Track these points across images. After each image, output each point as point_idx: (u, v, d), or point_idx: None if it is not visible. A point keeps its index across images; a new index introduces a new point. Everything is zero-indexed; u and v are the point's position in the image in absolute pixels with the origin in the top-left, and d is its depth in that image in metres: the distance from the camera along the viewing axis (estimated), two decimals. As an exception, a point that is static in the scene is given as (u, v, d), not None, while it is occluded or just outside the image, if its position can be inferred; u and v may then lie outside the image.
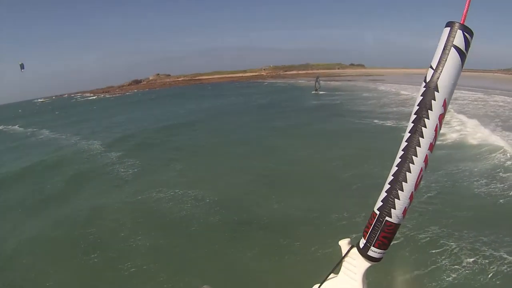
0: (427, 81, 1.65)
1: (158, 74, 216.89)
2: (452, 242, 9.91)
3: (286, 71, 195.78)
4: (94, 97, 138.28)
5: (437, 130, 1.64)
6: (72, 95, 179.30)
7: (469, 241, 9.96)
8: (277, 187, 15.82)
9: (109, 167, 21.17)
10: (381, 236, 1.74)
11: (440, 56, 1.58)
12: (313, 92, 62.38)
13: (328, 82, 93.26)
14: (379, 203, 1.75)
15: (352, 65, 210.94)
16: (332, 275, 1.98)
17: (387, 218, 1.70)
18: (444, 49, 1.56)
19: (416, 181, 1.67)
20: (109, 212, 14.57)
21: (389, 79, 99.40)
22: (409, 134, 1.73)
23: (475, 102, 39.92)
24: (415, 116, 1.71)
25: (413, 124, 1.72)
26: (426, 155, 1.65)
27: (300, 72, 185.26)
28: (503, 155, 17.45)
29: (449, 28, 1.59)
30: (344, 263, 1.91)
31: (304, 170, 17.58)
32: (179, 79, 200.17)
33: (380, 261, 1.81)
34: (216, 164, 20.04)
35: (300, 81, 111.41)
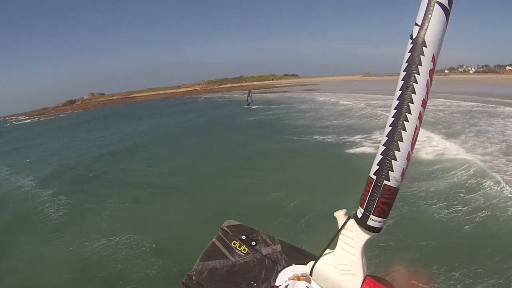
0: (414, 37, 1.56)
1: (93, 93, 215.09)
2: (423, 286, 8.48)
3: (220, 84, 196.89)
4: (28, 121, 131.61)
5: (428, 86, 1.55)
6: (7, 118, 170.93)
7: (440, 278, 8.73)
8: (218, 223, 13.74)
9: (39, 209, 18.05)
10: (380, 202, 1.63)
11: (425, 13, 1.50)
12: (245, 106, 61.72)
13: (264, 94, 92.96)
14: (375, 167, 1.67)
15: (286, 75, 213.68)
16: (327, 250, 1.83)
17: (385, 182, 1.60)
18: (428, 5, 1.49)
19: (412, 140, 1.59)
20: (24, 273, 12.19)
21: (324, 87, 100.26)
22: (400, 92, 1.60)
23: (439, 107, 39.34)
24: (405, 73, 1.58)
25: (403, 82, 1.58)
26: (420, 112, 1.57)
27: (234, 85, 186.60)
28: (464, 171, 16.03)
29: None
30: (341, 237, 1.78)
31: (249, 203, 15.63)
32: (114, 97, 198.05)
33: (380, 232, 1.65)
34: (154, 200, 17.85)
35: (235, 95, 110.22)
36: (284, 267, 3.22)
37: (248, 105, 61.83)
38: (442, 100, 44.66)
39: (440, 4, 1.46)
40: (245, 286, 3.15)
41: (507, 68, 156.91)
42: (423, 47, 1.52)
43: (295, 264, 3.17)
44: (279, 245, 3.43)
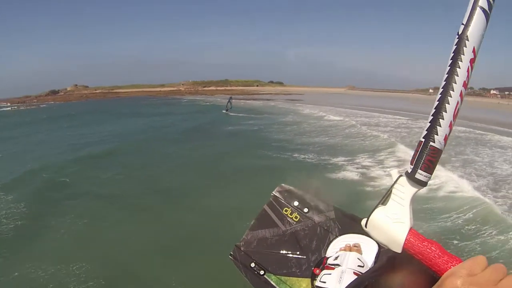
0: (459, 33, 1.72)
1: (76, 85, 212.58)
2: None
3: (204, 87, 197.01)
4: (8, 109, 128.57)
5: (468, 71, 1.68)
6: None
7: None
8: (182, 254, 12.91)
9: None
10: (427, 159, 1.70)
11: (469, 15, 1.69)
12: (223, 111, 61.83)
13: (247, 101, 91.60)
14: (424, 132, 1.72)
15: (271, 82, 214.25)
16: (380, 205, 1.79)
17: (431, 143, 1.69)
18: (472, 9, 1.68)
19: (454, 112, 1.70)
20: None
21: (308, 98, 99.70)
22: (447, 75, 1.70)
23: (407, 129, 39.24)
24: (451, 61, 1.70)
25: (449, 67, 1.70)
26: (461, 91, 1.69)
27: (219, 88, 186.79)
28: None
29: None
30: (393, 191, 1.76)
31: (213, 231, 14.26)
32: (97, 91, 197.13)
33: (425, 186, 1.70)
34: (118, 218, 16.42)
35: (218, 99, 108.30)
36: (336, 237, 3.05)
37: (227, 110, 62.17)
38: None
39: (482, 9, 1.64)
40: (295, 257, 3.04)
41: (492, 91, 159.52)
42: (466, 41, 1.67)
43: (348, 233, 2.98)
44: (333, 211, 3.20)
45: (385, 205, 1.81)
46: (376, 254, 2.61)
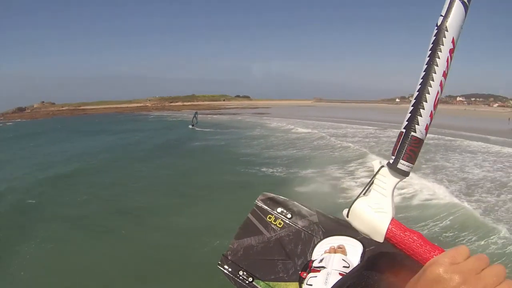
0: (438, 24, 1.72)
1: (43, 102, 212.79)
2: None
3: (171, 102, 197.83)
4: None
5: (448, 61, 1.68)
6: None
7: None
8: (155, 276, 12.01)
9: None
10: (408, 149, 1.67)
11: (448, 6, 1.70)
12: (189, 126, 61.66)
13: (214, 116, 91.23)
14: (405, 123, 1.67)
15: (237, 96, 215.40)
16: (362, 195, 1.77)
17: (412, 133, 1.66)
18: (450, 1, 1.68)
19: (434, 102, 1.69)
20: None
21: (275, 112, 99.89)
22: (426, 65, 1.69)
23: (375, 139, 39.24)
24: (430, 52, 1.69)
25: (429, 58, 1.69)
26: (441, 80, 1.69)
27: (185, 103, 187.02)
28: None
29: None
30: (375, 181, 1.74)
31: (192, 250, 13.65)
32: (64, 108, 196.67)
33: (407, 176, 1.68)
34: (80, 243, 15.31)
35: (185, 115, 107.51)
36: (320, 240, 3.08)
37: (193, 125, 62.02)
38: (397, 130, 43.88)
39: (461, 0, 1.66)
40: (281, 262, 3.05)
41: (458, 98, 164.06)
42: (445, 32, 1.69)
43: (332, 236, 3.03)
44: (316, 215, 3.22)
45: (367, 195, 1.80)
46: (361, 254, 2.64)
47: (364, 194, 1.78)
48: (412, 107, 1.71)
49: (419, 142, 1.69)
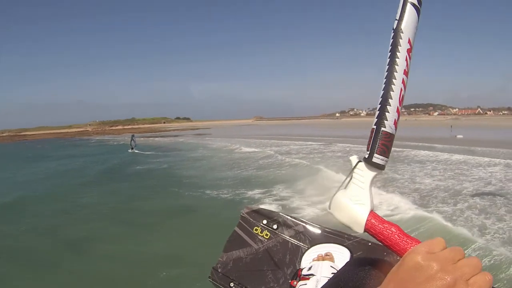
0: (394, 27, 1.79)
1: None
2: None
3: (111, 126, 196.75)
4: None
5: (407, 60, 1.72)
6: None
7: None
8: None
9: None
10: (381, 144, 1.70)
11: (401, 10, 1.76)
12: (129, 150, 59.67)
13: (155, 139, 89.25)
14: (374, 120, 1.73)
15: (178, 118, 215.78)
16: (342, 189, 1.79)
17: (382, 128, 1.69)
18: (403, 5, 1.74)
19: (399, 98, 1.73)
20: None
21: (217, 132, 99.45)
22: (388, 66, 1.74)
23: (320, 154, 38.52)
24: (390, 53, 1.74)
25: (389, 59, 1.74)
26: (403, 78, 1.74)
27: (126, 127, 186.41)
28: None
29: None
30: (353, 175, 1.74)
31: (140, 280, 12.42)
32: (4, 134, 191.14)
33: (383, 169, 1.69)
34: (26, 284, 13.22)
35: (126, 138, 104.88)
36: (308, 248, 3.11)
37: (132, 148, 60.38)
38: (341, 145, 43.77)
39: (412, 4, 1.72)
40: (271, 272, 3.12)
41: None
42: (401, 33, 1.75)
43: (319, 244, 3.08)
44: (301, 225, 3.27)
45: (346, 188, 1.80)
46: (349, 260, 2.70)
47: (343, 187, 1.79)
48: (380, 105, 1.73)
49: (389, 136, 1.72)
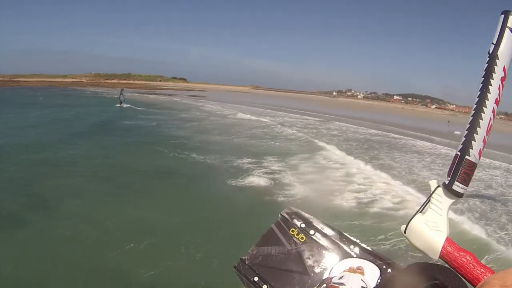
0: (490, 52, 1.90)
1: None
2: None
3: (107, 79, 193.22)
4: None
5: (500, 88, 1.89)
6: None
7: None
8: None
9: None
10: (463, 172, 1.95)
11: (499, 35, 1.86)
12: (117, 105, 58.10)
13: (149, 96, 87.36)
14: (460, 146, 1.99)
15: (174, 78, 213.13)
16: (419, 213, 2.13)
17: (467, 157, 1.93)
18: (501, 30, 1.85)
19: (487, 127, 1.93)
20: None
21: (212, 96, 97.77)
22: (479, 92, 1.93)
23: (314, 130, 37.25)
24: (483, 79, 1.92)
25: (482, 85, 1.93)
26: (493, 108, 1.91)
27: (121, 81, 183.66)
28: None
29: (504, 15, 1.90)
30: (431, 200, 2.08)
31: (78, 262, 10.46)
32: None
33: (461, 197, 1.96)
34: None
35: (126, 94, 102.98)
36: (340, 259, 2.97)
37: (120, 103, 59.03)
38: (338, 123, 42.44)
39: (510, 29, 1.80)
40: (298, 275, 2.96)
41: (395, 97, 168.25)
42: (497, 60, 1.84)
43: (352, 258, 2.95)
44: (338, 236, 3.11)
45: (423, 213, 2.11)
46: (378, 278, 2.62)
47: (421, 211, 2.07)
48: (467, 132, 1.93)
49: (472, 165, 1.92)
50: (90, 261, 10.32)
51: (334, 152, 25.35)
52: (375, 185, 18.26)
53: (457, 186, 1.95)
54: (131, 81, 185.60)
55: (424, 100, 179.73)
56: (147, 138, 30.54)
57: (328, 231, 3.15)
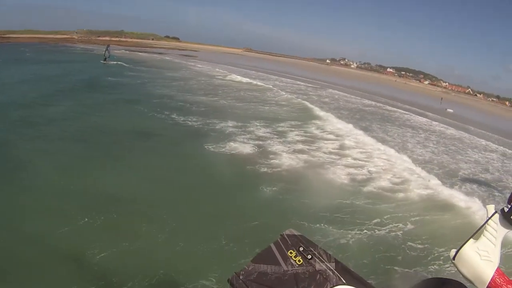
0: None
1: None
2: None
3: (99, 36, 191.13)
4: None
5: None
6: None
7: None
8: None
9: None
10: None
11: None
12: (102, 61, 55.80)
13: (139, 53, 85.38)
14: None
15: (167, 37, 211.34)
16: (471, 240, 2.11)
17: None
18: None
19: None
20: None
21: (203, 56, 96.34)
22: None
23: (305, 96, 36.12)
24: None
25: None
26: None
27: (113, 39, 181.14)
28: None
29: None
30: (486, 227, 2.06)
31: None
32: None
33: None
34: None
35: (116, 51, 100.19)
36: (334, 286, 3.16)
37: (105, 59, 56.76)
38: (331, 90, 41.34)
39: None
40: None
41: (388, 69, 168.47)
42: None
43: (345, 285, 3.12)
44: (334, 263, 3.31)
45: (476, 239, 2.07)
46: None
47: (474, 237, 2.02)
48: None
49: None
50: (39, 235, 8.90)
51: (327, 119, 24.25)
52: (370, 160, 17.17)
53: None
54: (123, 39, 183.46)
55: (417, 75, 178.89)
56: (129, 96, 28.95)
57: (326, 257, 3.29)
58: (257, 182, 12.81)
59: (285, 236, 3.53)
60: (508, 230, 1.92)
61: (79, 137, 17.01)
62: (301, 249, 3.36)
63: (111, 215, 9.85)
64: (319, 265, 3.21)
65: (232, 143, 16.76)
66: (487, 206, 2.12)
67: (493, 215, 1.98)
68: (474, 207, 12.79)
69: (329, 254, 3.31)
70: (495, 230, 1.93)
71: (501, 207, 2.08)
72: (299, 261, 3.26)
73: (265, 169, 14.15)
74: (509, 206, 1.90)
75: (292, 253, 3.34)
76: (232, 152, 15.78)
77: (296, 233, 3.56)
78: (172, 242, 8.84)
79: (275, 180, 13.29)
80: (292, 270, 3.20)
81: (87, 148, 15.49)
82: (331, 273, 3.14)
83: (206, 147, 16.03)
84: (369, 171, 15.46)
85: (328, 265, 3.20)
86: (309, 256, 3.28)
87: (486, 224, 2.00)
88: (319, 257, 3.27)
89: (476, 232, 2.03)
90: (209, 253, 8.61)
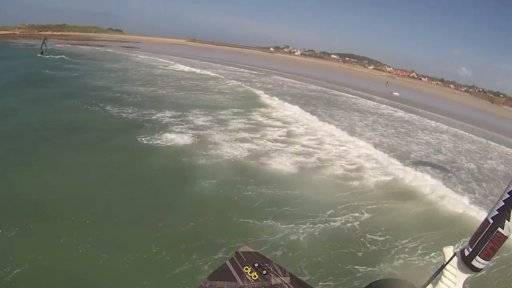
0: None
1: None
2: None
3: (41, 31, 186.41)
4: None
5: None
6: None
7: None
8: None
9: None
10: (488, 246, 1.75)
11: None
12: (38, 55, 53.40)
13: (81, 46, 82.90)
14: (494, 212, 1.72)
15: (110, 29, 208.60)
16: (430, 285, 2.00)
17: (499, 229, 1.68)
18: None
19: None
20: None
21: (146, 47, 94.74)
22: None
23: (248, 83, 35.77)
24: None
25: None
26: None
27: (55, 33, 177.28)
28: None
29: None
30: (444, 272, 1.94)
31: None
32: None
33: (479, 273, 1.79)
34: None
35: (58, 45, 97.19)
36: None
37: (42, 53, 54.51)
38: (275, 77, 41.08)
39: None
40: None
41: (332, 56, 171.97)
42: None
43: None
44: (289, 277, 3.48)
45: (434, 285, 1.97)
46: None
47: (432, 283, 1.89)
48: (508, 195, 1.65)
49: (503, 240, 1.70)
50: None
51: (271, 105, 23.77)
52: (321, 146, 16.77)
53: (478, 262, 1.76)
54: (65, 33, 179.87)
55: (362, 61, 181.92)
56: (64, 89, 26.92)
57: (281, 272, 3.53)
58: (194, 176, 11.89)
59: (240, 253, 3.68)
60: (467, 276, 1.77)
61: (2, 135, 15.42)
62: (256, 265, 3.49)
63: (27, 225, 8.64)
64: (274, 280, 3.36)
65: (168, 134, 15.74)
66: (444, 248, 1.99)
67: (451, 259, 1.84)
68: (427, 189, 12.82)
69: (284, 269, 3.47)
70: (454, 276, 1.78)
71: (460, 249, 1.96)
72: (254, 276, 3.39)
73: (204, 161, 13.21)
74: (471, 249, 1.76)
75: (247, 269, 3.46)
76: (168, 144, 14.74)
77: (251, 250, 3.75)
78: (94, 254, 7.74)
79: (214, 172, 12.42)
80: (248, 285, 3.32)
81: (9, 147, 13.97)
82: (286, 287, 3.29)
83: (139, 139, 14.92)
84: (318, 159, 14.71)
85: (283, 279, 3.35)
86: (264, 272, 3.43)
87: (444, 269, 1.86)
88: (274, 272, 3.43)
89: (435, 277, 1.88)
90: (138, 264, 7.62)
